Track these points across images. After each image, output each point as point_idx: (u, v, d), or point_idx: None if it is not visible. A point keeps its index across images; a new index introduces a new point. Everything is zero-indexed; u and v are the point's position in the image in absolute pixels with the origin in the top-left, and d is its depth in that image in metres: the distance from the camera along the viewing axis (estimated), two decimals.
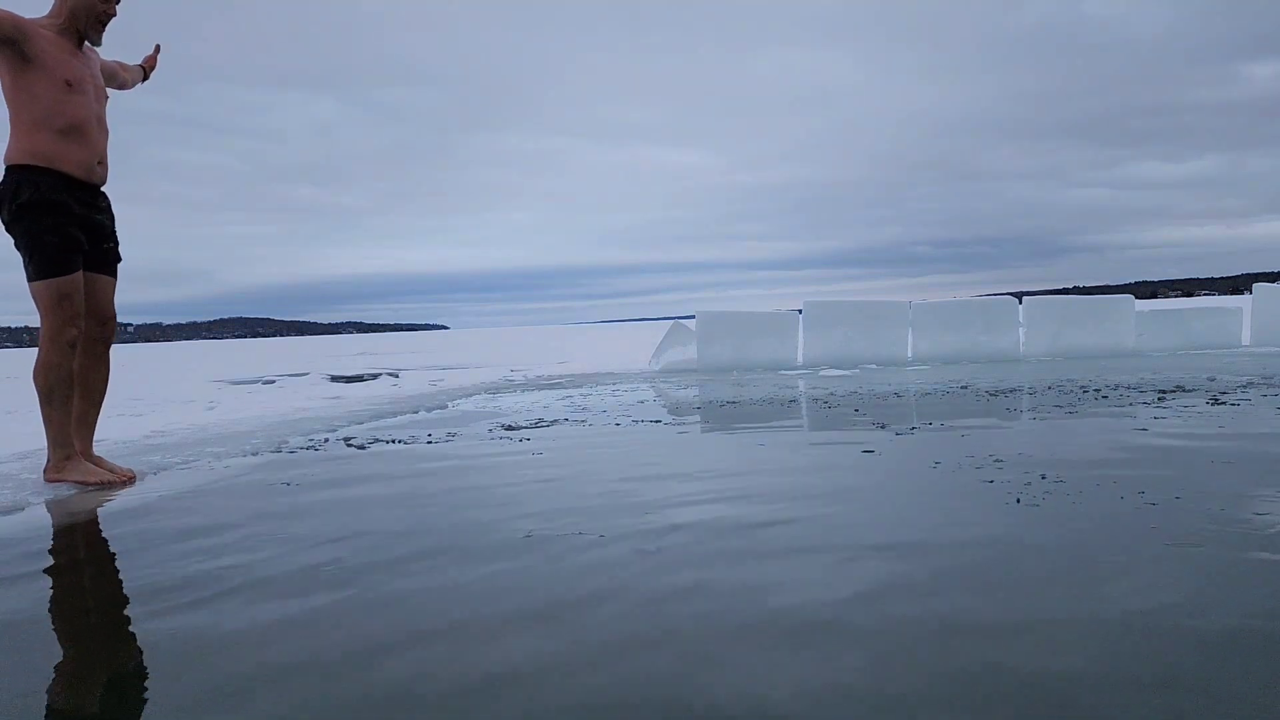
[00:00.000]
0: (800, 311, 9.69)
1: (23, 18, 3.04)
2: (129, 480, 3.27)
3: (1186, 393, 5.19)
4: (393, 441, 4.28)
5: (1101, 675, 1.31)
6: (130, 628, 1.70)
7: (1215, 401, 4.65)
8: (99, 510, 2.86)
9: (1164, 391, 5.31)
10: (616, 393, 6.80)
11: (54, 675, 1.47)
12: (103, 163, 3.24)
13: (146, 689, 1.41)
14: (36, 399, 3.19)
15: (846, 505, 2.57)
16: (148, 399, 7.43)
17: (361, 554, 2.15)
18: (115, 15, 3.22)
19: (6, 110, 3.10)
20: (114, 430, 4.70)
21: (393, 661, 1.47)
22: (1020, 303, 9.92)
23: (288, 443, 4.31)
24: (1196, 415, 4.15)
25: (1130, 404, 4.76)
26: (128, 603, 1.88)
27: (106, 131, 3.27)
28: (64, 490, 3.12)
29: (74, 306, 3.15)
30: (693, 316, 9.54)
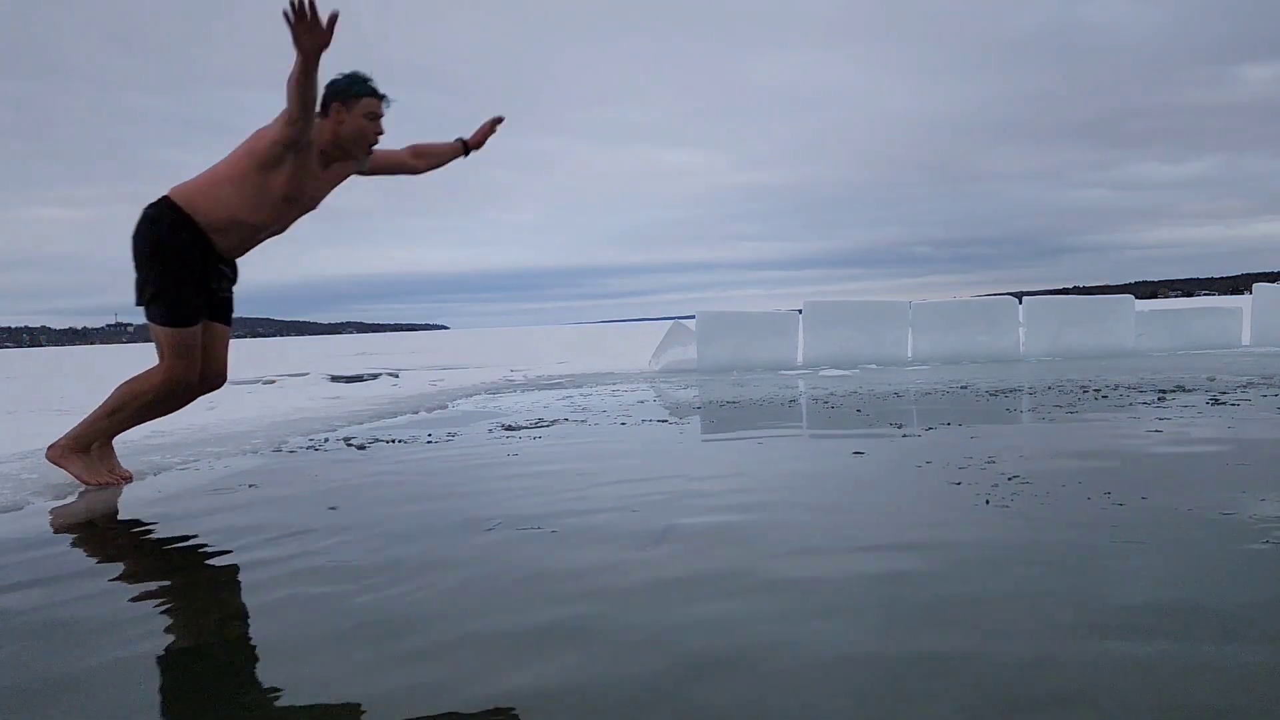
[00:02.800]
0: (800, 311, 9.69)
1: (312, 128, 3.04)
2: (125, 481, 3.27)
3: (1186, 392, 5.19)
4: (393, 441, 4.27)
5: (1030, 666, 1.31)
6: (128, 631, 1.70)
7: (1215, 401, 4.65)
8: (98, 511, 2.86)
9: (1164, 391, 5.31)
10: (616, 393, 6.80)
11: (51, 680, 1.47)
12: (244, 247, 3.25)
13: (146, 694, 1.41)
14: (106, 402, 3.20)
15: (837, 507, 2.59)
16: None
17: (360, 555, 2.16)
18: (383, 133, 3.24)
19: (225, 161, 3.09)
20: None
21: (387, 666, 1.47)
22: (1020, 303, 9.92)
23: (288, 442, 4.31)
24: (1194, 415, 4.15)
25: (1130, 404, 4.76)
26: (126, 606, 1.88)
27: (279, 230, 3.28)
28: (62, 480, 3.12)
29: (195, 356, 3.17)
30: (693, 316, 9.54)
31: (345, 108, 3.14)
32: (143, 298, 3.13)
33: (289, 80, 2.84)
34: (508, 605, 1.74)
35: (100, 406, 3.22)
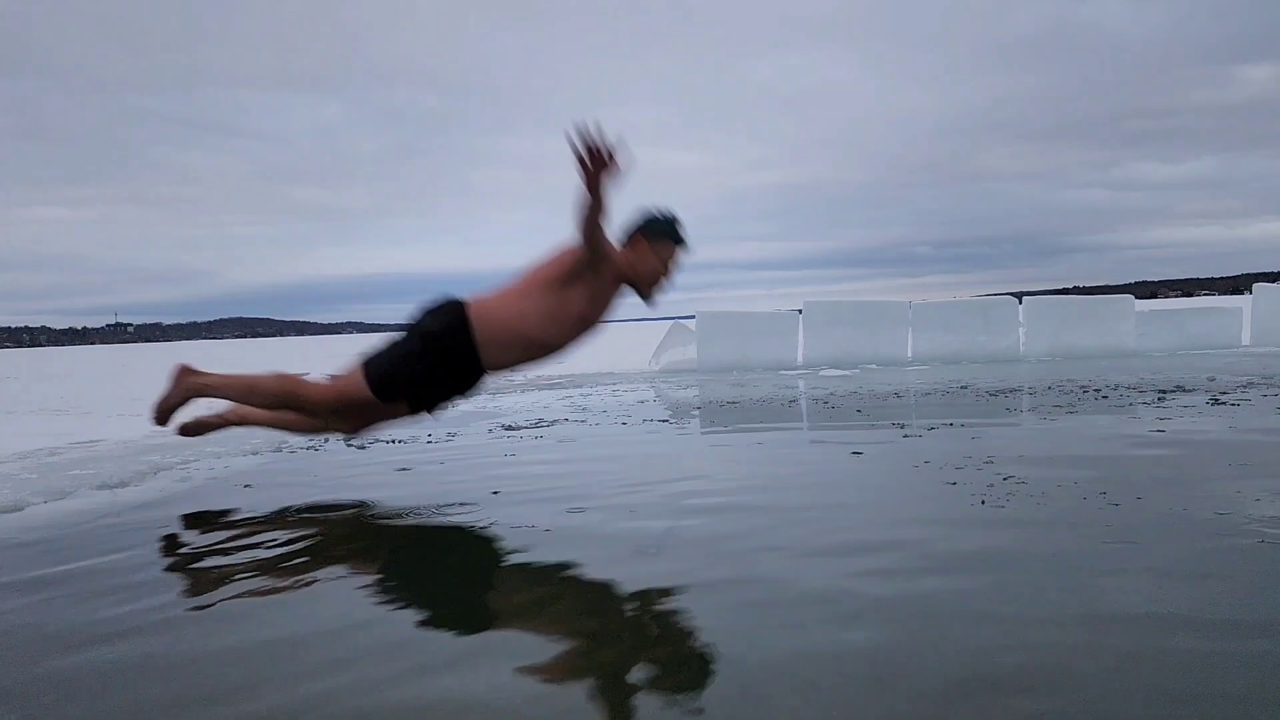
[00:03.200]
0: (800, 311, 9.70)
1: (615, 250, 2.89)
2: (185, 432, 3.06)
3: (1186, 392, 5.19)
4: (392, 441, 4.28)
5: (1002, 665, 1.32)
6: (128, 632, 1.70)
7: (1215, 402, 4.65)
8: (98, 510, 2.86)
9: (1164, 391, 5.31)
10: (617, 393, 6.80)
11: (47, 679, 1.47)
12: (522, 363, 3.02)
13: (139, 696, 1.41)
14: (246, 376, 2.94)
15: (832, 506, 2.60)
16: (148, 399, 7.43)
17: (355, 552, 2.16)
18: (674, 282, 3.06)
19: (522, 277, 2.92)
20: (114, 430, 4.70)
21: (387, 668, 1.47)
22: (1020, 303, 9.93)
23: (288, 443, 4.32)
24: (1194, 416, 4.15)
25: (1130, 404, 4.76)
26: (122, 606, 1.88)
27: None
28: (61, 481, 3.12)
29: (351, 418, 2.96)
30: (693, 316, 9.55)
31: (651, 248, 2.96)
32: (382, 349, 2.93)
33: (578, 217, 2.63)
34: (491, 592, 1.74)
35: (247, 376, 2.94)
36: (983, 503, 2.45)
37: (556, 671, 1.41)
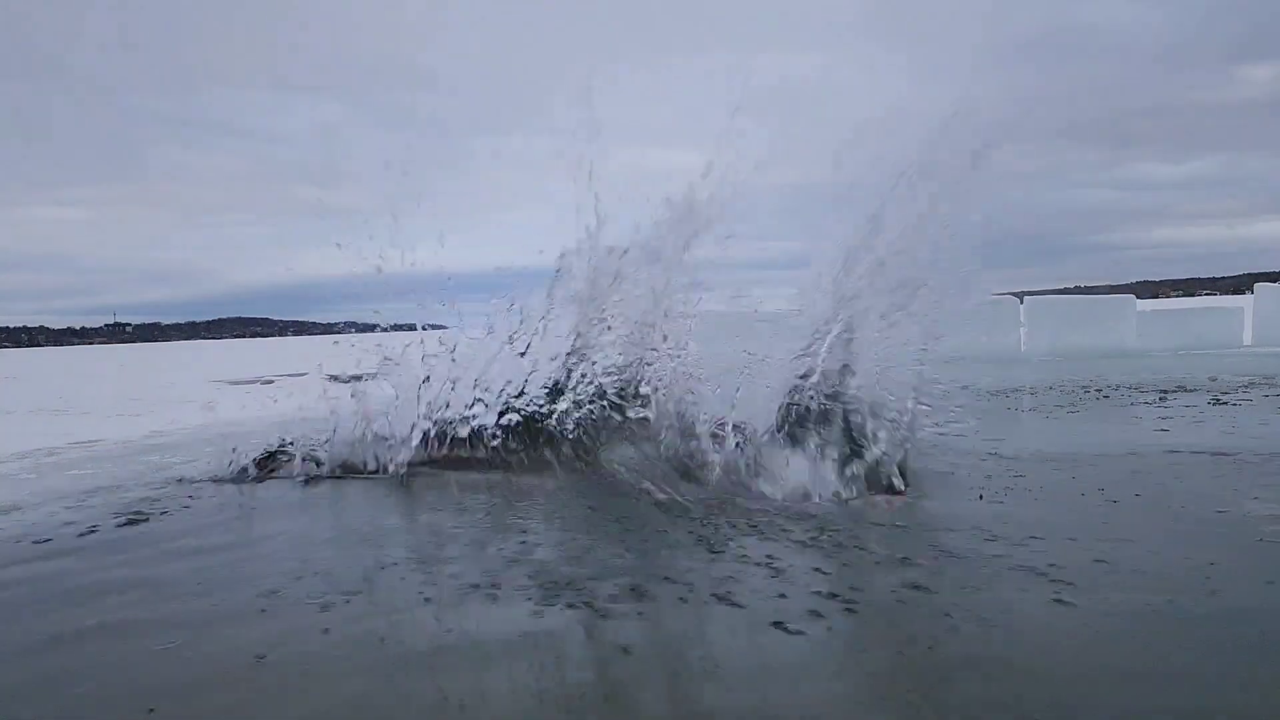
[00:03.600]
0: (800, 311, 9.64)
1: None
2: None
3: (1188, 392, 5.17)
4: None
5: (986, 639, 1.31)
6: (125, 633, 1.70)
7: (1216, 402, 4.64)
8: (97, 509, 2.85)
9: (1165, 391, 5.30)
10: None
11: (38, 673, 1.47)
12: None
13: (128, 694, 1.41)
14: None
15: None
16: (146, 399, 7.42)
17: (353, 545, 2.15)
18: None
19: None
20: (114, 430, 4.69)
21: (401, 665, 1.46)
22: (1021, 302, 9.90)
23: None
24: (1195, 415, 4.13)
25: (1131, 404, 4.75)
26: (120, 606, 1.88)
27: None
28: (60, 482, 3.11)
29: None
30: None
31: None
32: None
33: None
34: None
35: None
36: (980, 497, 2.43)
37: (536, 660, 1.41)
